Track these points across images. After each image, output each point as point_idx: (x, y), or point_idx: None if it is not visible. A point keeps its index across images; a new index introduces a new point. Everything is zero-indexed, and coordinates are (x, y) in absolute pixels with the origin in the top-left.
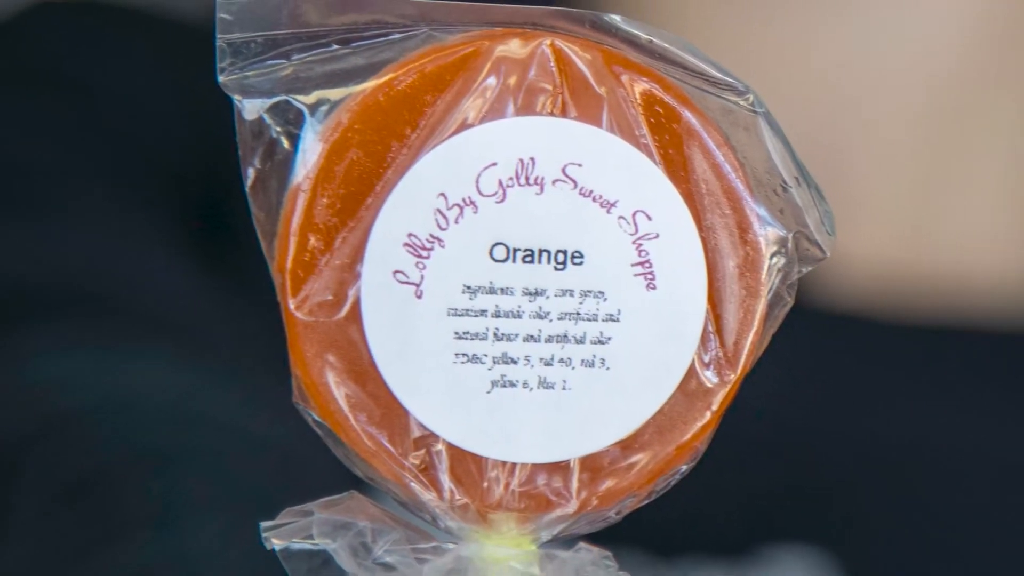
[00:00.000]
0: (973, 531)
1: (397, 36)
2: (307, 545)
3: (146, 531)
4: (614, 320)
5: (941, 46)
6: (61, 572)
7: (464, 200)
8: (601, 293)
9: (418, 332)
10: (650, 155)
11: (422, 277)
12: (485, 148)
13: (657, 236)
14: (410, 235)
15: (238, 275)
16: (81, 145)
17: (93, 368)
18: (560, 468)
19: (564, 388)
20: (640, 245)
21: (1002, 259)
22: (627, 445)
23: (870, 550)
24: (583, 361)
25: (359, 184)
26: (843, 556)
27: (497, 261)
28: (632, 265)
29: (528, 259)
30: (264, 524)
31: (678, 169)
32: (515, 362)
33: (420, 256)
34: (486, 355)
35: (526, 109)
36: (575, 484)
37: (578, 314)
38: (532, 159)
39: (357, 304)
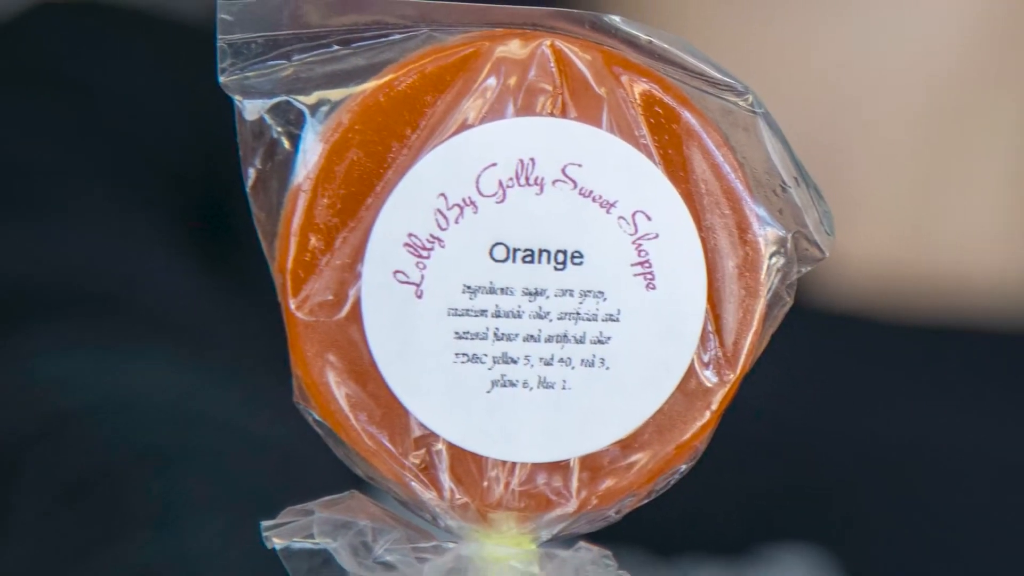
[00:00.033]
0: (973, 531)
1: (397, 37)
2: (308, 544)
3: (146, 531)
4: (614, 320)
5: (941, 46)
6: (61, 572)
7: (464, 200)
8: (601, 293)
9: (418, 332)
10: (650, 155)
11: (422, 277)
12: (485, 148)
13: (657, 236)
14: (410, 235)
15: (239, 275)
16: (82, 145)
17: (93, 368)
18: (560, 467)
19: (564, 388)
20: (640, 245)
21: (1002, 259)
22: (627, 445)
23: (870, 550)
24: (583, 361)
25: (359, 184)
26: (843, 556)
27: (497, 261)
28: (632, 265)
29: (528, 259)
30: (265, 523)
31: (678, 169)
32: (515, 362)
33: (420, 256)
34: (486, 355)
35: (526, 109)
36: (575, 483)
37: (578, 314)
38: (532, 159)
39: (357, 304)
